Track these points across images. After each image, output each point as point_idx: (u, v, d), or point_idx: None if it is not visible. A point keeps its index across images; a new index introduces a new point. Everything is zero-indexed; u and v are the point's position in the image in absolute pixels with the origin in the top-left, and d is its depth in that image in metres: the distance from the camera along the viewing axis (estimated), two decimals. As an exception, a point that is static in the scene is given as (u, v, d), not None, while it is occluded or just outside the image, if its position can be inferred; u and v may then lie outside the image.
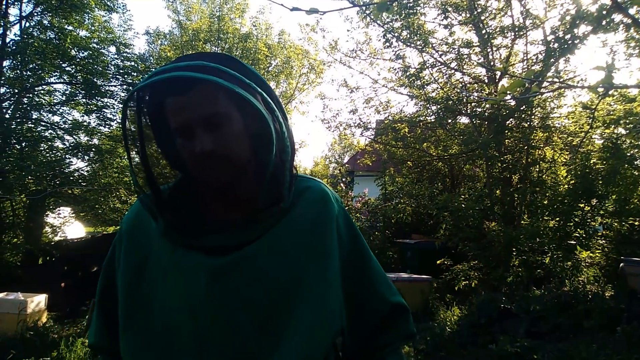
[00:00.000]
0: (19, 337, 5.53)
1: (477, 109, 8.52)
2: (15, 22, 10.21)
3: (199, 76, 0.87)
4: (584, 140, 7.90)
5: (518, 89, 1.99)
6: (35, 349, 5.01)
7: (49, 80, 10.71)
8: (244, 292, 0.93)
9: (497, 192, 8.35)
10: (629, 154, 7.58)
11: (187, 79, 0.88)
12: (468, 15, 8.59)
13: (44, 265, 9.62)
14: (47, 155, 10.35)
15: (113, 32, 11.45)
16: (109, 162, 10.92)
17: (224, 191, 1.00)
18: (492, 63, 8.55)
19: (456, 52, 8.89)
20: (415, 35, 8.65)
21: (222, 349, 0.91)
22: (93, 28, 11.02)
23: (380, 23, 8.58)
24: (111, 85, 10.86)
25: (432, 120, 9.48)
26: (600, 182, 7.32)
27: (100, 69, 10.34)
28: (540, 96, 7.30)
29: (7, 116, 9.76)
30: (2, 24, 9.67)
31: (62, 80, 10.85)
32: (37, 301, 6.22)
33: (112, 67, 10.76)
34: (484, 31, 8.44)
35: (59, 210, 11.00)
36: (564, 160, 8.13)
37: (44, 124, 10.63)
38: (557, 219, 7.57)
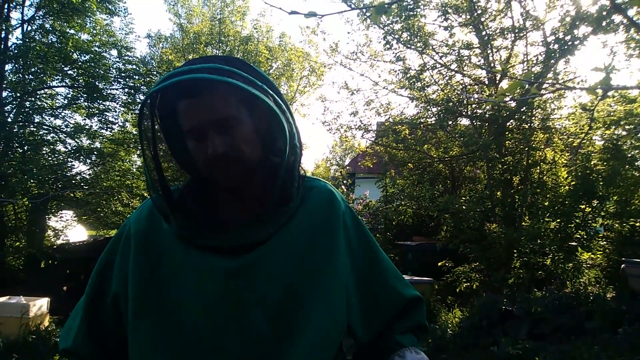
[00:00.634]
0: (22, 340, 5.51)
1: (478, 110, 8.51)
2: (17, 25, 10.24)
3: (220, 78, 0.87)
4: (585, 141, 7.89)
5: (517, 91, 2.00)
6: (37, 353, 5.03)
7: (50, 84, 10.77)
8: (258, 289, 0.95)
9: (498, 193, 8.33)
10: (629, 155, 7.58)
11: (201, 82, 0.89)
12: (468, 16, 8.59)
13: (47, 268, 9.61)
14: (49, 158, 10.38)
15: (115, 36, 11.49)
16: (111, 166, 10.94)
17: (234, 192, 1.01)
18: (492, 64, 8.55)
19: (456, 54, 8.90)
20: (415, 37, 8.66)
21: (239, 345, 0.93)
22: (95, 31, 11.06)
23: (380, 25, 8.59)
24: (113, 89, 10.92)
25: (433, 122, 9.47)
26: (601, 183, 7.31)
27: (102, 72, 10.38)
28: (540, 97, 7.29)
29: (9, 120, 9.77)
30: (4, 27, 9.69)
31: (64, 84, 10.90)
32: (40, 305, 6.20)
33: (114, 71, 10.82)
34: (484, 33, 8.44)
35: (61, 213, 10.98)
36: (565, 161, 8.12)
37: (46, 127, 10.68)
38: (558, 220, 7.55)
